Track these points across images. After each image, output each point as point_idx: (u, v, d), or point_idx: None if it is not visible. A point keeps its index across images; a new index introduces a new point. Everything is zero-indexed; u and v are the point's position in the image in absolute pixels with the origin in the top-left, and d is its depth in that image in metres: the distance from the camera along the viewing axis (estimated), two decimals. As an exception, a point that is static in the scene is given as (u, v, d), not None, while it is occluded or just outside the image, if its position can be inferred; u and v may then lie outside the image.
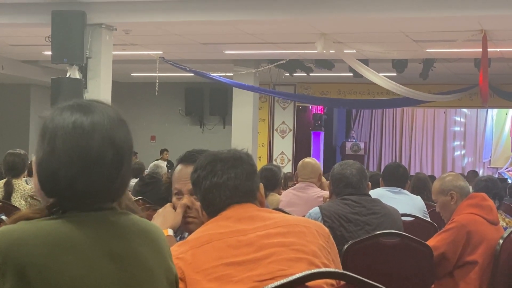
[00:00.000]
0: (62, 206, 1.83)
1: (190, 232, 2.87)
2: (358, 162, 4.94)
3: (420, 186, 8.07)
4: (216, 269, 2.36)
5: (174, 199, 3.02)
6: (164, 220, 2.91)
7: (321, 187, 6.76)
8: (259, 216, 2.55)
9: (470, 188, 6.17)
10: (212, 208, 2.60)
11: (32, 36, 12.84)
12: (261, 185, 2.71)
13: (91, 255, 1.77)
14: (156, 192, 8.25)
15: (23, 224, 1.77)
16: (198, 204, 2.88)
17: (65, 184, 1.80)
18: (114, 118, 1.88)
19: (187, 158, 3.00)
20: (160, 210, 2.99)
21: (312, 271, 2.23)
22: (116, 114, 1.90)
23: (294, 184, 11.21)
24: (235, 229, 2.48)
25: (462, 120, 22.73)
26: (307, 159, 7.12)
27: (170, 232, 2.88)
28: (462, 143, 22.77)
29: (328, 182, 5.42)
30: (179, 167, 3.03)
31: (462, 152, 22.77)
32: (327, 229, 2.64)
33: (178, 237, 3.07)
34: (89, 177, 1.80)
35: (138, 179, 9.01)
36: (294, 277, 2.18)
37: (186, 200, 2.95)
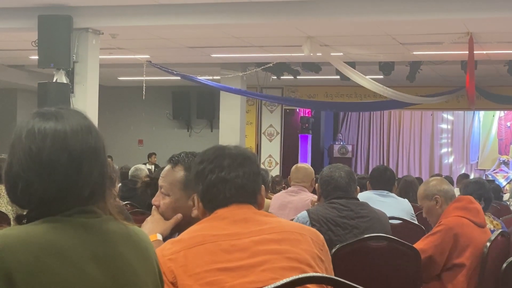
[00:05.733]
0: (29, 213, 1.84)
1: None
2: (347, 166, 4.95)
3: (408, 188, 8.09)
4: (208, 273, 2.34)
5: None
6: (153, 226, 2.93)
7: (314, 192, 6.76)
8: (254, 219, 2.52)
9: (457, 191, 6.19)
10: (214, 203, 2.57)
11: (18, 40, 12.79)
12: (263, 187, 2.69)
13: (77, 259, 1.77)
14: (146, 196, 8.10)
15: (9, 230, 1.77)
16: (164, 203, 2.95)
17: (22, 189, 1.83)
18: (75, 124, 1.89)
19: (172, 158, 3.06)
20: (148, 218, 3.01)
21: (299, 276, 2.22)
22: (80, 121, 1.91)
23: (283, 188, 11.25)
24: (229, 232, 2.45)
25: (449, 122, 22.77)
26: (301, 164, 7.19)
27: (159, 237, 2.88)
28: (450, 146, 22.81)
29: (317, 185, 5.43)
30: (166, 167, 3.07)
31: (450, 155, 22.81)
32: (322, 237, 2.62)
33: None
34: (43, 182, 1.82)
35: (121, 184, 8.86)
36: (281, 282, 2.17)
37: (155, 197, 3.02)
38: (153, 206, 3.02)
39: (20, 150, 1.85)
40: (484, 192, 5.71)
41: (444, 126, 22.85)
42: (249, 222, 2.50)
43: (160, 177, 3.05)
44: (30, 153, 1.84)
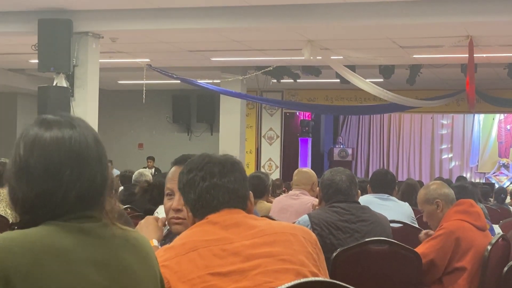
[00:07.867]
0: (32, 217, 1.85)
1: (177, 233, 2.84)
2: (348, 170, 4.95)
3: (410, 191, 8.07)
4: (201, 279, 2.34)
5: (165, 199, 3.03)
6: (148, 231, 2.91)
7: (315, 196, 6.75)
8: (245, 223, 2.52)
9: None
10: (206, 209, 2.57)
11: (18, 44, 12.80)
12: (251, 194, 2.70)
13: (76, 263, 1.77)
14: (144, 201, 8.09)
15: (8, 233, 1.78)
16: None
17: (9, 194, 1.87)
18: (60, 132, 1.89)
19: (183, 160, 2.98)
20: (142, 222, 2.99)
21: (300, 280, 2.22)
22: (69, 130, 1.91)
23: (283, 191, 11.23)
24: (220, 237, 2.45)
25: (449, 125, 22.78)
26: (304, 168, 7.21)
27: (155, 242, 2.87)
28: (450, 148, 22.82)
29: (318, 188, 5.43)
30: (173, 168, 3.04)
31: (450, 157, 22.81)
32: (314, 235, 2.63)
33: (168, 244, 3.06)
34: (22, 187, 1.84)
35: (123, 188, 8.83)
36: (285, 286, 2.17)
37: (176, 202, 2.95)
38: (155, 215, 2.99)
39: (11, 156, 1.89)
40: (466, 196, 5.71)
41: (444, 129, 22.86)
42: (240, 226, 2.50)
43: (175, 180, 2.93)
44: (14, 160, 1.88)
